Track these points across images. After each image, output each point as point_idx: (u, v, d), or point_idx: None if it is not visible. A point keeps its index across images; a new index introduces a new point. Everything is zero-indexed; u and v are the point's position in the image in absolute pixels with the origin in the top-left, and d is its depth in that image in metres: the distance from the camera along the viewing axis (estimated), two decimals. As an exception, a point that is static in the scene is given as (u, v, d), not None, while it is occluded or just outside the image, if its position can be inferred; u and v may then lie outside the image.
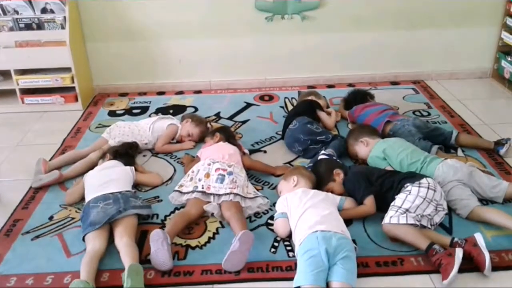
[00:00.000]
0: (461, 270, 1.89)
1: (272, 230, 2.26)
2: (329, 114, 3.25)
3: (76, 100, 3.69)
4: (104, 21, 3.78)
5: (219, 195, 2.35)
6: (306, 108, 3.18)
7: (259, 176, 2.71)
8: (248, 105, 3.71)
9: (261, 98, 3.83)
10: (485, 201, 2.40)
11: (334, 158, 2.67)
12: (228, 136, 2.89)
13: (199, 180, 2.43)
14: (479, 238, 2.00)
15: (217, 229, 2.29)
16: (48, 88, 3.66)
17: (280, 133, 3.16)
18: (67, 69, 3.59)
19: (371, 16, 3.84)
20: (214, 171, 2.45)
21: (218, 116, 3.53)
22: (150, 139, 3.01)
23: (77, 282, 1.89)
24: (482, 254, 1.93)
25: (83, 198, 2.43)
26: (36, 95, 3.67)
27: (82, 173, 2.66)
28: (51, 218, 2.41)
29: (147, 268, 2.03)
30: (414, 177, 2.28)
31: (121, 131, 3.00)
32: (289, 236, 2.17)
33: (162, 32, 3.84)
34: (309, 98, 3.35)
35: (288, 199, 2.23)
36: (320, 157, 2.65)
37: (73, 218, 2.39)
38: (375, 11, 3.82)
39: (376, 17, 3.84)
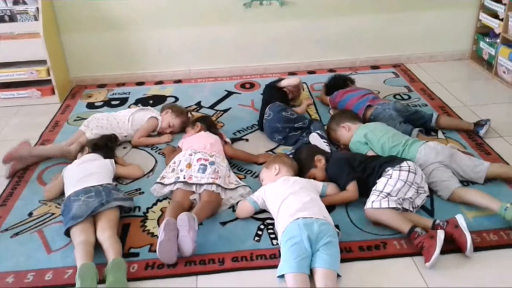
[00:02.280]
0: (443, 252, 1.90)
1: (256, 218, 2.25)
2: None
3: (53, 93, 3.62)
4: (79, 11, 3.69)
5: (201, 185, 2.33)
6: (270, 91, 3.18)
7: (241, 164, 2.70)
8: (229, 93, 3.67)
9: (242, 86, 3.80)
10: (466, 182, 2.42)
11: (326, 138, 2.69)
12: (209, 125, 2.86)
13: (181, 170, 2.40)
14: (460, 219, 2.02)
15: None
16: (24, 82, 3.58)
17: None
18: (42, 62, 3.51)
19: (350, 0, 3.81)
20: (196, 161, 2.43)
21: (199, 105, 3.49)
22: (129, 131, 2.96)
23: (83, 267, 1.85)
24: (464, 235, 1.95)
25: (62, 193, 2.39)
26: (12, 89, 3.59)
27: (51, 155, 2.76)
28: (30, 214, 2.37)
29: (130, 261, 2.01)
30: (394, 161, 2.28)
31: (99, 123, 2.94)
32: (273, 224, 2.17)
33: (139, 21, 3.77)
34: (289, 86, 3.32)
35: (266, 191, 2.23)
36: (313, 135, 2.68)
37: (53, 214, 2.35)
38: (354, -5, 3.81)
39: (355, 2, 3.82)
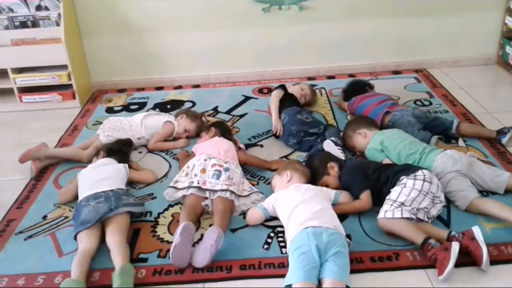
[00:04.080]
0: (458, 265, 1.84)
1: (266, 226, 2.22)
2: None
3: (74, 97, 3.68)
4: (100, 16, 3.74)
5: (215, 191, 2.31)
6: (288, 97, 3.16)
7: (254, 171, 2.67)
8: (247, 98, 3.66)
9: (260, 91, 3.78)
10: (485, 192, 2.34)
11: (340, 145, 2.65)
12: (224, 130, 2.85)
13: (195, 175, 2.39)
14: (476, 231, 1.94)
15: (210, 225, 2.24)
16: (47, 86, 3.65)
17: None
18: (63, 67, 3.57)
19: (370, 3, 3.75)
20: (210, 167, 2.41)
21: (215, 110, 3.49)
22: (143, 134, 2.97)
23: (68, 281, 1.88)
24: (480, 248, 1.87)
25: (77, 197, 2.40)
26: (34, 94, 3.66)
27: (65, 157, 2.84)
28: (44, 217, 2.40)
29: (138, 267, 2.02)
30: (409, 169, 2.22)
31: (112, 125, 2.96)
32: (283, 232, 2.13)
33: (159, 26, 3.80)
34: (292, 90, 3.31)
35: (277, 198, 2.20)
36: (327, 142, 2.65)
37: (66, 217, 2.38)
38: (374, -1, 3.74)
39: (376, 5, 3.76)
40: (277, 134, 2.95)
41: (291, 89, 3.28)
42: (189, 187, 2.34)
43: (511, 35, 3.78)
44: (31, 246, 2.20)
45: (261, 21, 3.79)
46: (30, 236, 2.27)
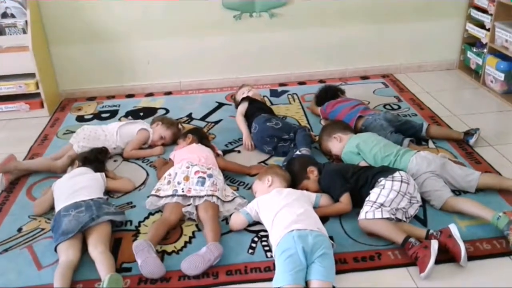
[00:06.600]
0: (437, 262, 1.90)
1: (249, 231, 2.24)
2: None
3: (42, 106, 3.58)
4: (68, 24, 3.67)
5: (201, 197, 2.30)
6: (254, 105, 3.19)
7: (234, 176, 2.68)
8: (220, 104, 3.67)
9: (233, 97, 3.79)
10: (458, 191, 2.44)
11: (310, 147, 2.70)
12: (201, 137, 2.85)
13: (178, 183, 2.36)
14: (453, 229, 2.02)
15: (193, 232, 2.25)
16: (13, 95, 3.54)
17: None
18: (31, 75, 3.48)
19: (339, 11, 3.85)
20: (194, 174, 2.39)
21: (190, 117, 3.48)
22: (118, 143, 2.92)
23: None
24: (457, 245, 1.95)
25: (52, 208, 2.35)
26: (0, 103, 3.54)
27: (38, 169, 2.76)
28: (19, 230, 2.32)
29: (123, 277, 1.96)
30: (387, 171, 2.29)
31: (86, 135, 2.90)
32: (267, 236, 2.15)
33: (129, 33, 3.77)
34: (249, 95, 3.34)
35: (259, 203, 2.22)
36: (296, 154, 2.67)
37: (43, 229, 2.31)
38: (342, 6, 3.83)
39: (344, 12, 3.86)
40: (249, 149, 2.97)
41: (252, 95, 3.31)
42: (173, 195, 2.32)
43: (472, 41, 3.96)
44: (8, 260, 2.13)
45: (233, 28, 3.82)
46: (6, 250, 2.19)
